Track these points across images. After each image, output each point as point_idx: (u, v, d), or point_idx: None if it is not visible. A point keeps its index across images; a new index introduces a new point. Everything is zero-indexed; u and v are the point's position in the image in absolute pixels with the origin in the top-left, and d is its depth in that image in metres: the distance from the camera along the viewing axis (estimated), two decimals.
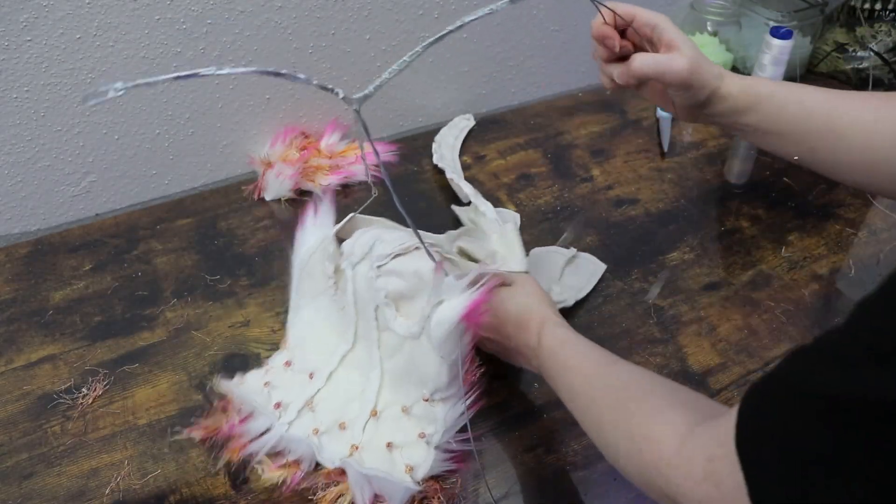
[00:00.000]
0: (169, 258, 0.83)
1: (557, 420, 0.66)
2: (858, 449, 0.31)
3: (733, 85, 0.61)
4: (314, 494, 0.59)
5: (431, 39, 0.50)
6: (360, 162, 0.93)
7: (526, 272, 0.68)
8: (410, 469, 0.59)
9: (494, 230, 0.75)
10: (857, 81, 1.11)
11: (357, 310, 0.66)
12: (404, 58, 0.49)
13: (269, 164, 0.92)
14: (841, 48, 1.11)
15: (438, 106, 1.06)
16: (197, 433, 0.63)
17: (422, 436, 0.62)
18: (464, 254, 0.73)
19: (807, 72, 1.15)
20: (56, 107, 0.81)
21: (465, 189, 0.85)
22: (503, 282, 0.64)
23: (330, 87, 0.45)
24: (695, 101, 0.61)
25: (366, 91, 0.48)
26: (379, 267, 0.63)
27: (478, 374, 0.63)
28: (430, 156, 0.99)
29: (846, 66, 1.11)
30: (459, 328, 0.59)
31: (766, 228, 0.86)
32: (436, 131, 1.03)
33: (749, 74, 0.93)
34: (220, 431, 0.63)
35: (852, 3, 1.09)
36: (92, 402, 0.67)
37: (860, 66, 1.10)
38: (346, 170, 0.92)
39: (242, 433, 0.62)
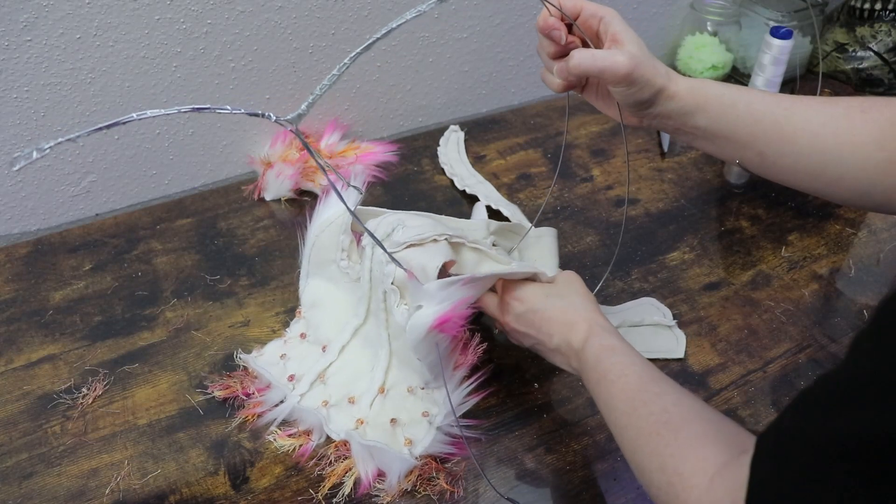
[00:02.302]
0: (169, 258, 0.83)
1: (557, 420, 0.66)
2: (871, 488, 0.31)
3: (681, 85, 0.59)
4: (324, 469, 0.61)
5: (359, 49, 0.50)
6: (359, 162, 0.93)
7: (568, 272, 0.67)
8: (409, 442, 0.61)
9: (531, 237, 0.77)
10: (857, 81, 1.11)
11: (371, 286, 0.67)
12: (333, 71, 0.51)
13: (269, 164, 0.92)
14: (841, 48, 1.11)
15: (438, 106, 1.06)
16: (219, 392, 0.67)
17: (425, 414, 0.63)
18: (496, 245, 0.74)
19: (807, 72, 1.15)
20: (56, 107, 0.81)
21: (506, 212, 0.85)
22: (532, 278, 0.63)
23: (260, 112, 0.46)
24: (638, 100, 0.59)
25: (299, 110, 0.50)
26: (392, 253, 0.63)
27: (479, 354, 0.64)
28: (430, 156, 0.99)
29: (846, 66, 1.11)
30: (433, 335, 0.59)
31: (766, 228, 0.86)
32: (436, 131, 1.03)
33: (749, 75, 0.93)
34: (238, 395, 0.67)
35: (852, 3, 1.09)
36: (92, 402, 0.67)
37: (860, 66, 1.10)
38: (346, 170, 0.92)
39: (258, 402, 0.66)
